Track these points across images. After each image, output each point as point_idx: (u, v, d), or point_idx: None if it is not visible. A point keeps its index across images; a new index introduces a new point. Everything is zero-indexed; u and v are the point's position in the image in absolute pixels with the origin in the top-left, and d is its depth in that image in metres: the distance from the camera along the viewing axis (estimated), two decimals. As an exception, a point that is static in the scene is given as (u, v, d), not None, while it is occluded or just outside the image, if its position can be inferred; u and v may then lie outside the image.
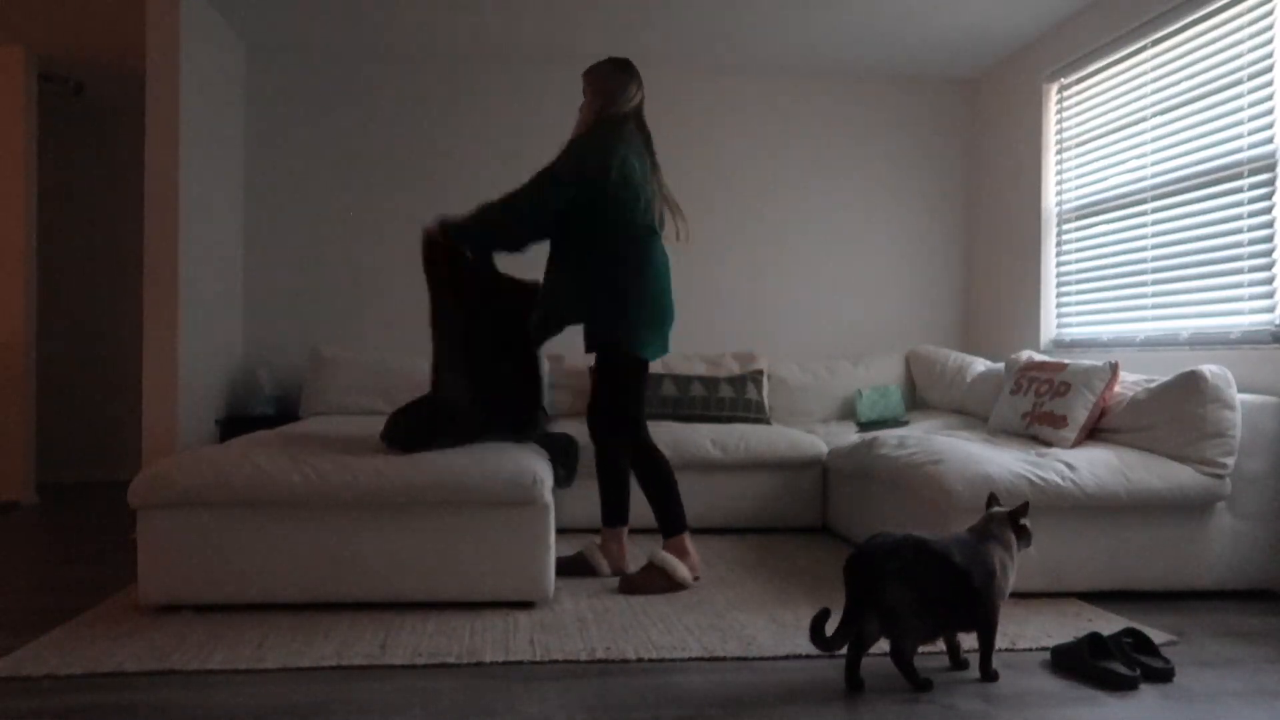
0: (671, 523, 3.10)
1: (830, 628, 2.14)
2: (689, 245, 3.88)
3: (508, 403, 3.16)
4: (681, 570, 3.02)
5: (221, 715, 1.96)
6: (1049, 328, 4.71)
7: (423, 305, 5.09)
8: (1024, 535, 2.28)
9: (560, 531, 3.94)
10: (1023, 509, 2.29)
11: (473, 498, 2.75)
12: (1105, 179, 4.26)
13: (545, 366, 4.41)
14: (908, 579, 2.08)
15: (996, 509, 2.31)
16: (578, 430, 3.75)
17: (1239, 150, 3.47)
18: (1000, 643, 2.45)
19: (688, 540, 3.11)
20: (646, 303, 3.02)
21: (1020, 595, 2.91)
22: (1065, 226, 4.59)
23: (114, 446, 6.07)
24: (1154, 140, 3.94)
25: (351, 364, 4.61)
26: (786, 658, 2.35)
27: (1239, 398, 3.03)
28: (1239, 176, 3.47)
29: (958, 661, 2.29)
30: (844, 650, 2.16)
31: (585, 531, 3.97)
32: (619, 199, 2.97)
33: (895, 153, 5.45)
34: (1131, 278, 4.06)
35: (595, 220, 2.99)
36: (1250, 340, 3.39)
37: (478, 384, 3.02)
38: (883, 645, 2.16)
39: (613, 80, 3.11)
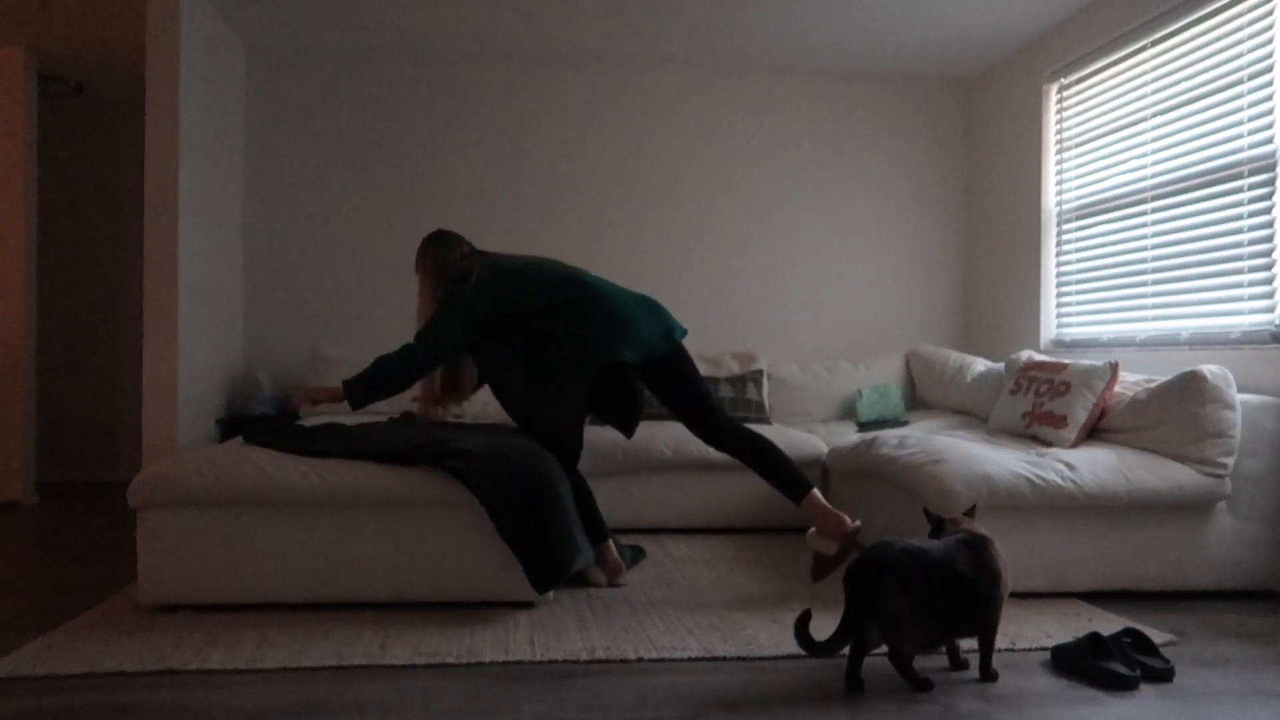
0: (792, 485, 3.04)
1: (814, 627, 2.13)
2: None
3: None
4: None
5: (221, 715, 1.96)
6: (1049, 328, 4.71)
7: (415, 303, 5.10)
8: None
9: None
10: (970, 513, 2.37)
11: (471, 497, 2.75)
12: (1105, 179, 4.26)
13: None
14: (908, 589, 2.08)
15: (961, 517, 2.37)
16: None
17: (1239, 150, 3.47)
18: (1000, 643, 2.44)
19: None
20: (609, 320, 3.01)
21: (1020, 595, 2.91)
22: (1065, 226, 4.59)
23: (114, 446, 6.07)
24: (1154, 140, 3.94)
25: (351, 364, 4.60)
26: (786, 658, 2.35)
27: (1239, 398, 3.03)
28: (1239, 176, 3.47)
29: (957, 662, 2.29)
30: (839, 653, 2.16)
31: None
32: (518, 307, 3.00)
33: (895, 152, 5.45)
34: (1131, 278, 4.06)
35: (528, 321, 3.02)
36: (1250, 340, 3.39)
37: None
38: (883, 645, 2.16)
39: (428, 255, 3.21)
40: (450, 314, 2.95)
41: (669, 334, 3.08)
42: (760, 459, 3.04)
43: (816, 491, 2.99)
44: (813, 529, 2.99)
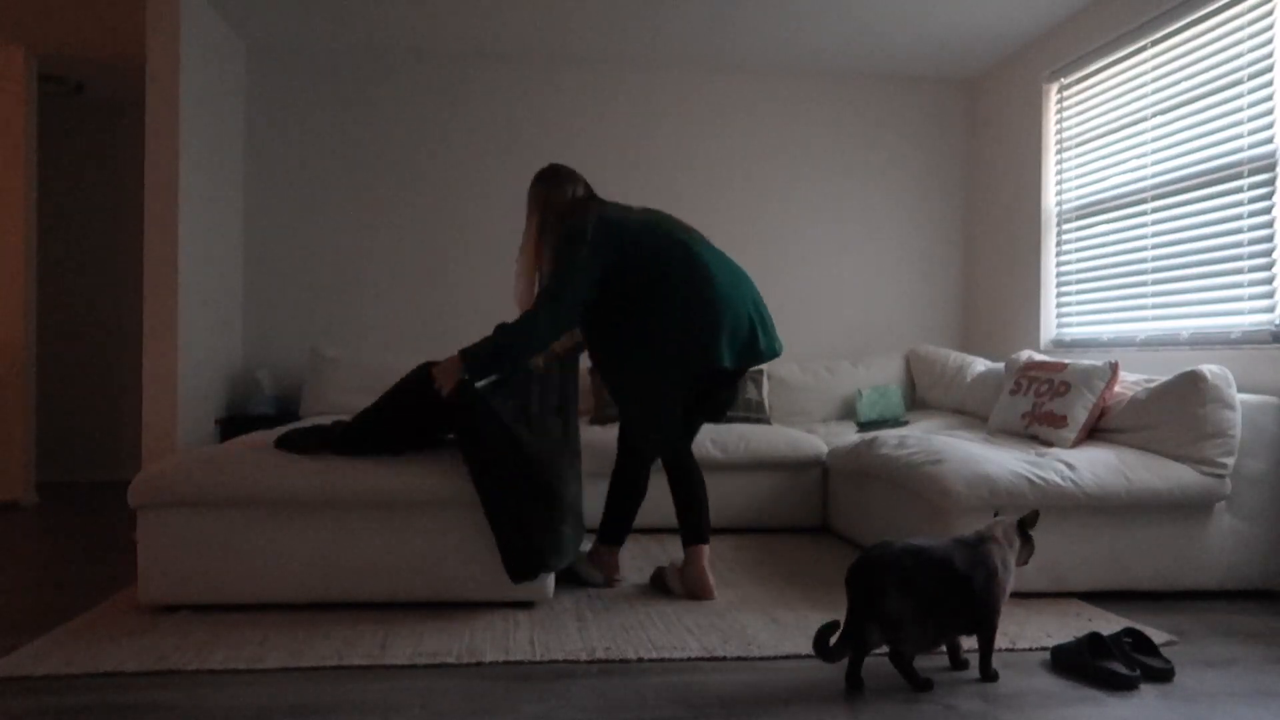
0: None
1: (808, 628, 2.13)
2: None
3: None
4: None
5: (221, 715, 1.96)
6: (1049, 328, 4.71)
7: (415, 304, 5.11)
8: (1027, 544, 2.28)
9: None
10: (1032, 518, 2.28)
11: (473, 497, 2.75)
12: (1105, 179, 4.26)
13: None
14: (909, 588, 2.08)
15: (1002, 517, 2.31)
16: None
17: (1239, 150, 3.47)
18: (1000, 643, 2.45)
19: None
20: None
21: (1020, 595, 2.91)
22: (1065, 226, 4.59)
23: (114, 446, 6.07)
24: (1154, 140, 3.94)
25: (351, 364, 4.61)
26: (786, 658, 2.35)
27: (1239, 398, 3.04)
28: (1239, 176, 3.47)
29: (958, 661, 2.29)
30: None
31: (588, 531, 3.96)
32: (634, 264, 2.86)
33: (895, 153, 5.46)
34: (1131, 278, 4.06)
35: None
36: (1250, 340, 3.39)
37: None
38: (884, 646, 2.16)
39: (537, 192, 3.01)
40: (569, 275, 2.76)
41: (771, 347, 2.96)
42: (689, 494, 2.98)
43: (707, 549, 2.97)
44: (677, 566, 2.99)
